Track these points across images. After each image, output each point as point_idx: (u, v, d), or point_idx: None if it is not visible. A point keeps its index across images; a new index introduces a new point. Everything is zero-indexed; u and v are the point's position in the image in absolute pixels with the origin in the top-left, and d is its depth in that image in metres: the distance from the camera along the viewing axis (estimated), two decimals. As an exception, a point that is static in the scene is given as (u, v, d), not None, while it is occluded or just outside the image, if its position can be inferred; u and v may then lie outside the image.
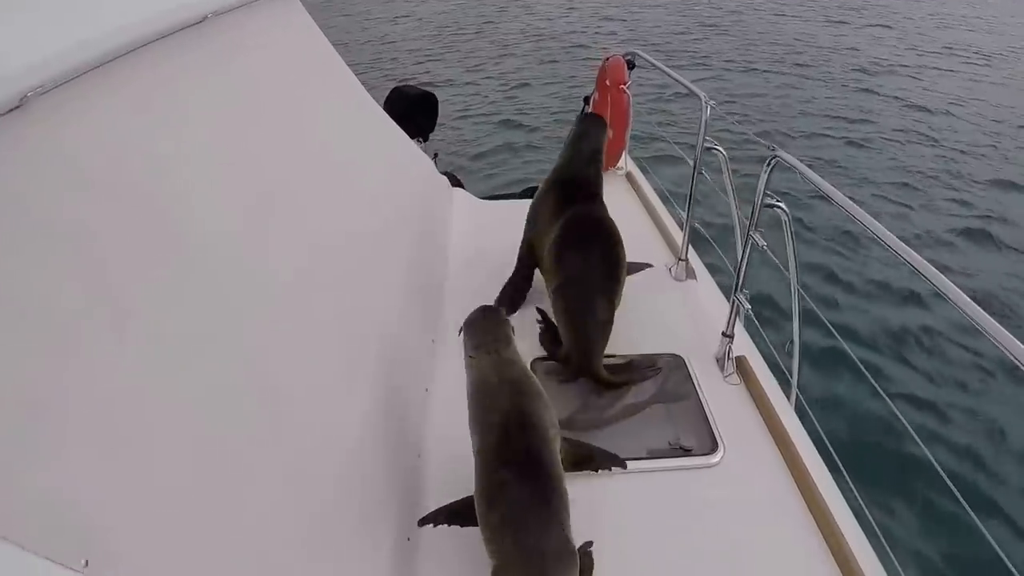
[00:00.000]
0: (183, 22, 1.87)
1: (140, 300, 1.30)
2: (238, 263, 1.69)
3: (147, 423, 1.18)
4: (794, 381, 2.65)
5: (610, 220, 2.83)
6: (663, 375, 2.58)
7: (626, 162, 4.48)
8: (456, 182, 6.44)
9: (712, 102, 2.88)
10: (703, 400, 2.42)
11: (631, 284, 3.12)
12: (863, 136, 10.53)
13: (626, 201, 4.07)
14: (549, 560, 1.66)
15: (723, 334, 2.58)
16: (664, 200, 3.98)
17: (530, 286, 3.07)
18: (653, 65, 3.71)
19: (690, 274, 3.17)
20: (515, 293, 3.02)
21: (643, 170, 4.49)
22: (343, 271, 2.28)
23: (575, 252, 2.70)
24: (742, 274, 2.48)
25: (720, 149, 2.96)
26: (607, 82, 4.35)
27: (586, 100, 5.61)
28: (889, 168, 9.35)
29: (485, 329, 1.96)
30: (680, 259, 3.18)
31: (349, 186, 2.69)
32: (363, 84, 3.41)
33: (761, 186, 2.30)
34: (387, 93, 5.53)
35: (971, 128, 10.95)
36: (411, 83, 5.82)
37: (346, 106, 3.16)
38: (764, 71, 13.91)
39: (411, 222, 3.18)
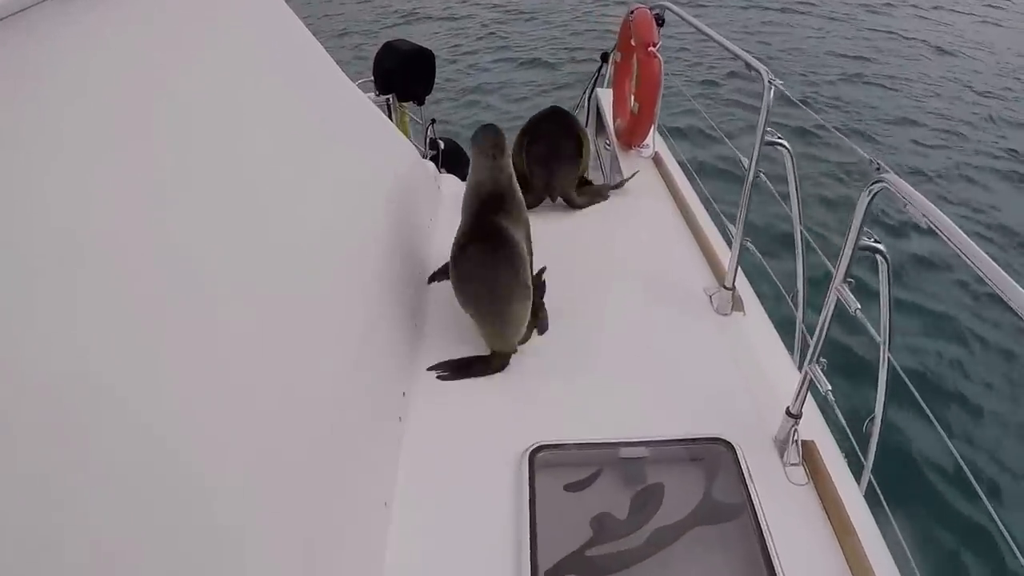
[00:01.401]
0: None
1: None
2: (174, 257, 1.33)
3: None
4: (868, 465, 1.97)
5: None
6: (705, 473, 1.87)
7: (654, 141, 3.65)
8: (454, 149, 5.70)
9: (778, 81, 2.10)
10: (760, 516, 1.71)
11: (655, 320, 2.41)
12: (874, 75, 10.26)
13: (651, 193, 3.29)
14: (501, 293, 2.16)
15: (788, 412, 1.86)
16: (702, 198, 3.18)
17: None
18: (691, 25, 2.90)
19: (737, 305, 2.43)
20: None
21: (676, 156, 3.68)
22: (300, 275, 1.77)
23: (538, 124, 3.17)
24: (821, 340, 1.74)
25: (785, 145, 2.19)
26: (632, 41, 3.55)
27: (603, 58, 4.78)
28: (905, 110, 9.02)
29: (487, 137, 2.34)
30: (725, 287, 2.41)
31: (303, 177, 2.03)
32: (348, 38, 2.69)
33: (857, 223, 1.56)
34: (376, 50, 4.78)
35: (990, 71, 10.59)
36: (404, 37, 5.01)
37: (305, 78, 2.42)
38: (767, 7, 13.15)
39: (383, 222, 2.48)
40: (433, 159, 5.02)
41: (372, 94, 4.83)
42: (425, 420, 2.04)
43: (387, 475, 1.84)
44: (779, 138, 2.16)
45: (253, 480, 1.28)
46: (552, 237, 2.88)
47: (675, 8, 3.23)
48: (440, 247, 2.85)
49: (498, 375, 2.20)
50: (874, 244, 1.59)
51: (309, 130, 2.21)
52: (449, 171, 5.35)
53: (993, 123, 8.90)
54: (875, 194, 1.51)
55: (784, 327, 2.50)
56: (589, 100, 4.74)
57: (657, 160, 3.54)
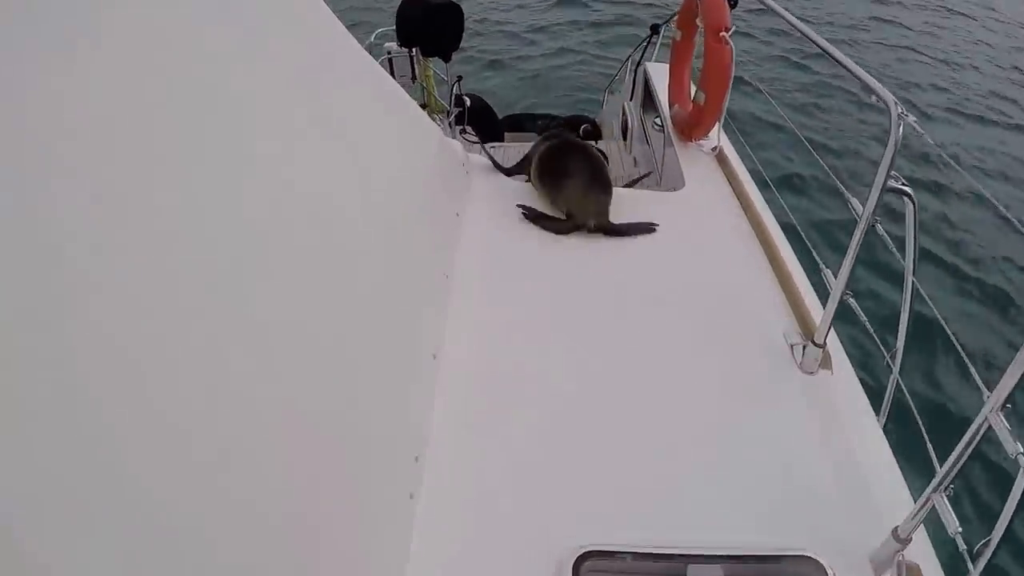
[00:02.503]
0: None
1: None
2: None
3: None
4: None
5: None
6: None
7: (719, 136, 3.21)
8: (480, 106, 5.30)
9: (911, 117, 1.70)
10: None
11: (725, 378, 2.05)
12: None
13: (715, 199, 2.89)
14: (597, 185, 2.67)
15: (895, 536, 1.54)
16: (776, 210, 2.78)
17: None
18: (782, 18, 2.45)
19: (824, 362, 2.06)
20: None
21: (744, 158, 3.25)
22: (303, 285, 1.49)
23: (559, 145, 2.92)
24: (957, 468, 1.40)
25: (910, 194, 1.81)
26: (697, 21, 3.11)
27: (654, 30, 4.33)
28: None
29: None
30: (815, 343, 2.04)
31: (311, 168, 1.69)
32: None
33: None
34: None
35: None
36: None
37: (317, 51, 2.03)
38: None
39: (400, 222, 2.14)
40: (459, 117, 4.65)
41: (394, 44, 4.44)
42: (442, 503, 1.67)
43: None
44: (904, 185, 1.77)
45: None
46: (593, 257, 2.52)
47: None
48: (469, 246, 2.50)
49: (534, 458, 1.82)
50: None
51: (317, 110, 1.84)
52: (476, 130, 4.99)
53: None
54: None
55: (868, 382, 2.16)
56: (635, 73, 4.29)
57: (721, 158, 3.13)
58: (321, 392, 1.42)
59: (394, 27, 4.40)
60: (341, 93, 2.06)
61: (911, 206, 1.84)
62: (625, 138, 4.40)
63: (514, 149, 4.57)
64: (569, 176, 2.71)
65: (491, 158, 3.13)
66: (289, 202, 1.52)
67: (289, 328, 1.37)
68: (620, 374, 2.07)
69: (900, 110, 1.70)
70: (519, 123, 5.84)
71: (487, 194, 2.89)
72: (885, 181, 1.73)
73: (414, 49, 4.49)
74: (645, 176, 3.39)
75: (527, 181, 2.98)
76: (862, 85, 1.85)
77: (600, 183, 2.69)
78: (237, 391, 1.17)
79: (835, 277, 1.98)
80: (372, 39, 4.41)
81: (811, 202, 5.78)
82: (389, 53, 4.43)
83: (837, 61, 1.95)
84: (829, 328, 2.00)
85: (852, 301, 2.02)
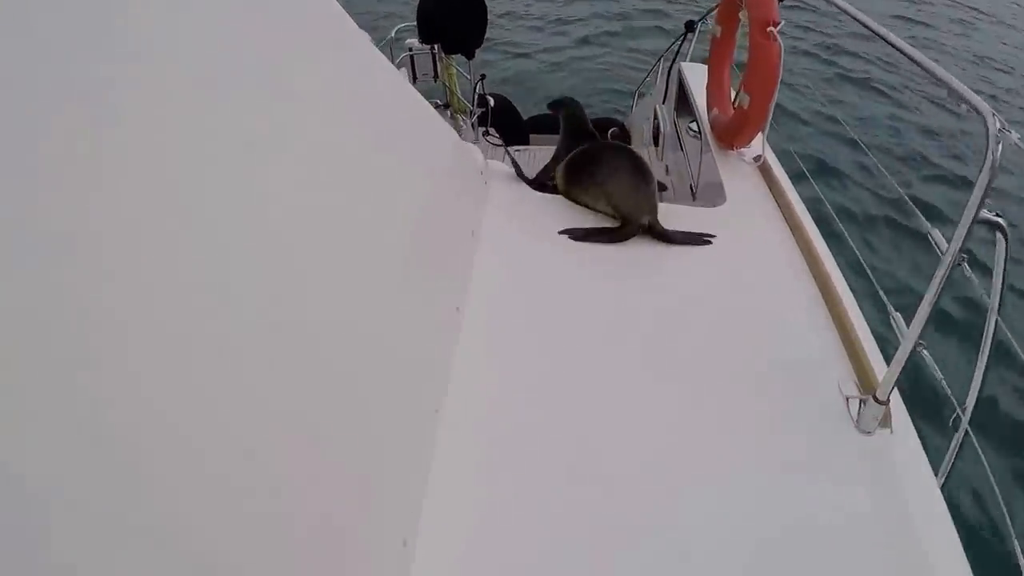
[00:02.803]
0: None
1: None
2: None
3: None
4: None
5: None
6: None
7: (764, 144, 2.90)
8: (504, 106, 5.12)
9: (1015, 135, 1.46)
10: None
11: (770, 438, 1.76)
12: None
13: (758, 216, 2.61)
14: (643, 179, 2.50)
15: None
16: (831, 240, 2.46)
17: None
18: (844, 11, 2.22)
19: (884, 421, 1.75)
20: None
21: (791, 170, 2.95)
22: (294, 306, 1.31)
23: (591, 147, 2.75)
24: None
25: (1002, 224, 1.57)
26: (740, 16, 2.88)
27: (690, 27, 4.12)
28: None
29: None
30: (877, 399, 1.72)
31: (313, 174, 1.51)
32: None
33: None
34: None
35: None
36: None
37: (327, 49, 1.83)
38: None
39: (409, 241, 1.87)
40: (482, 118, 4.48)
41: (415, 41, 4.27)
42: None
43: None
44: (997, 215, 1.53)
45: None
46: (622, 284, 2.26)
47: None
48: (485, 267, 2.23)
49: (542, 545, 1.50)
50: None
51: (319, 108, 1.63)
52: (498, 130, 4.80)
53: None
54: None
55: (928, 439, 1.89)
56: (669, 73, 4.08)
57: (764, 169, 2.87)
58: (302, 447, 1.18)
59: (414, 22, 4.23)
60: (346, 90, 1.84)
61: (1002, 240, 1.61)
62: (657, 144, 4.19)
63: (540, 152, 4.37)
64: (612, 174, 2.52)
65: (515, 165, 2.90)
66: (272, 216, 1.30)
67: (277, 365, 1.17)
68: (648, 427, 1.78)
69: (1000, 124, 1.46)
70: (545, 124, 5.65)
71: (507, 204, 2.61)
72: (977, 212, 1.48)
73: (435, 46, 4.31)
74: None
75: (553, 183, 2.77)
76: (950, 92, 1.61)
77: (645, 177, 2.51)
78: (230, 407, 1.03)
79: (907, 324, 1.68)
80: (392, 35, 4.24)
81: (843, 195, 5.53)
82: (410, 50, 4.25)
83: (915, 61, 1.72)
84: (895, 384, 1.71)
85: (926, 353, 1.75)
